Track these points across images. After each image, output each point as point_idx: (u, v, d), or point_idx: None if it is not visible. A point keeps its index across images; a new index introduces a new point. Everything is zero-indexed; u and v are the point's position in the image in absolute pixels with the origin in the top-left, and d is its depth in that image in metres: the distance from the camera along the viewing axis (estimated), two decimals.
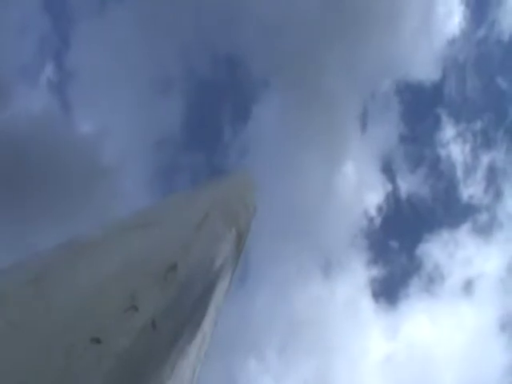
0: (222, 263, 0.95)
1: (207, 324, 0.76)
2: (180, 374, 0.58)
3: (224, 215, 1.05)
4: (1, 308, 0.40)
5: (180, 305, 0.62)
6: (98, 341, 0.41)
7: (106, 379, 0.40)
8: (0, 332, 0.37)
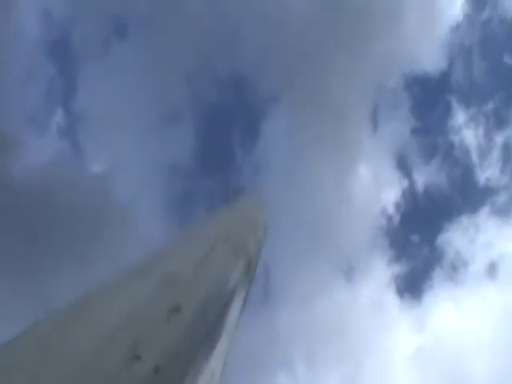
0: (232, 293, 0.97)
1: (217, 357, 0.78)
2: None
3: (231, 245, 1.07)
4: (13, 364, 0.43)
5: (184, 345, 0.64)
6: None
7: None
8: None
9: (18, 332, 0.50)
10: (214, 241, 0.99)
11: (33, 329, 0.50)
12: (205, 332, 0.75)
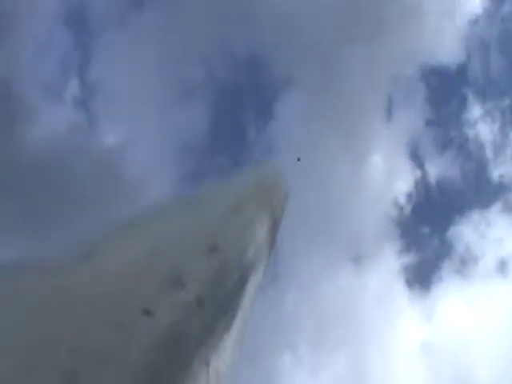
0: (258, 249, 0.95)
1: (245, 306, 0.76)
2: (222, 354, 0.58)
3: (259, 202, 1.04)
4: (54, 279, 0.40)
5: (222, 286, 0.62)
6: (149, 312, 0.41)
7: (155, 351, 0.39)
8: (52, 301, 0.37)
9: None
10: (243, 193, 0.96)
11: (74, 245, 0.47)
12: (236, 279, 0.73)
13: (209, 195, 0.87)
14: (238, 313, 0.71)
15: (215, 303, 0.57)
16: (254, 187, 1.14)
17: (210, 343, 0.55)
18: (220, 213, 0.77)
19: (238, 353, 0.80)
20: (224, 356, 0.63)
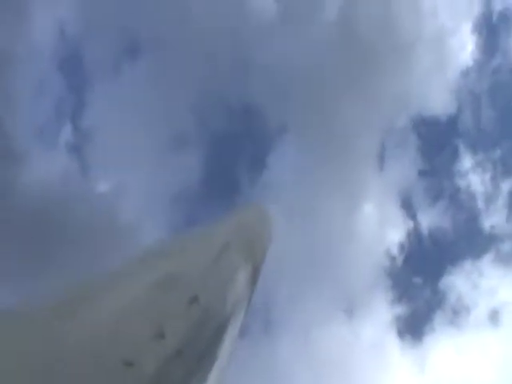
0: (238, 296, 0.96)
1: (224, 355, 0.77)
2: None
3: (242, 248, 1.06)
4: (36, 331, 0.42)
5: (201, 336, 0.63)
6: (130, 364, 0.42)
7: None
8: (35, 354, 0.39)
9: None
10: (226, 240, 0.98)
11: (56, 297, 0.49)
12: (215, 328, 0.74)
13: (190, 244, 0.89)
14: (216, 361, 0.72)
15: (194, 353, 0.58)
16: (238, 232, 1.16)
17: None
18: (201, 263, 0.79)
19: None
20: None
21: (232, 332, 0.88)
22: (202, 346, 0.63)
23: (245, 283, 1.04)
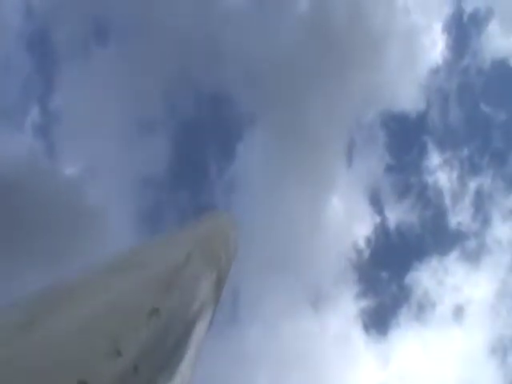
0: (202, 306, 0.96)
1: (186, 367, 0.77)
2: None
3: (205, 258, 1.06)
4: None
5: (160, 349, 0.64)
6: (84, 383, 0.42)
7: None
8: None
9: None
10: (190, 250, 0.99)
11: (9, 314, 0.49)
12: (177, 339, 0.75)
13: (153, 252, 0.88)
14: (177, 372, 0.73)
15: (153, 367, 0.59)
16: (202, 241, 1.16)
17: None
18: (163, 273, 0.79)
19: None
20: None
21: (195, 340, 0.88)
22: (161, 360, 0.63)
23: (209, 291, 1.04)
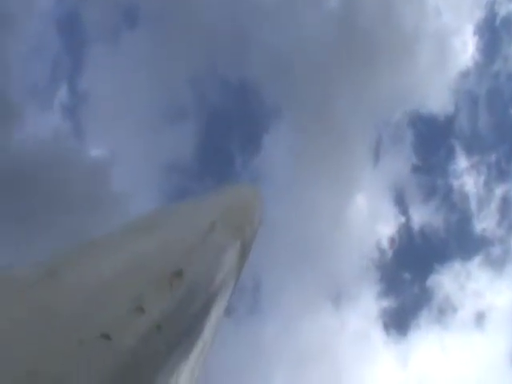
0: (225, 274, 0.95)
1: (208, 332, 0.76)
2: (180, 378, 0.58)
3: (230, 226, 1.05)
4: (16, 298, 0.41)
5: (183, 311, 0.63)
6: (107, 337, 0.41)
7: (112, 374, 0.40)
8: (16, 320, 0.38)
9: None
10: (215, 217, 0.97)
11: (37, 266, 0.48)
12: (200, 304, 0.74)
13: (177, 218, 0.87)
14: (199, 339, 0.72)
15: (176, 329, 0.58)
16: (227, 210, 1.15)
17: (169, 368, 0.56)
18: (188, 238, 0.78)
19: (200, 376, 0.80)
20: (184, 379, 0.64)
21: (218, 309, 0.87)
22: (185, 322, 0.62)
23: (233, 261, 1.03)
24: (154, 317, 0.51)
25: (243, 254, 1.17)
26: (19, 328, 0.39)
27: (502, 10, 13.26)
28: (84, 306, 0.44)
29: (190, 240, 0.78)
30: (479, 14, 13.43)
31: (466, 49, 13.56)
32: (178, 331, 0.59)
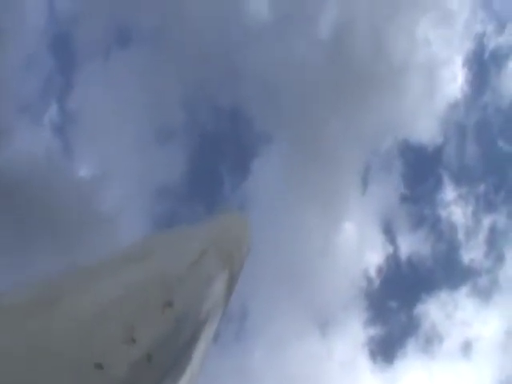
0: (214, 302, 0.96)
1: (197, 361, 0.78)
2: None
3: (219, 255, 1.07)
4: (13, 328, 0.42)
5: (173, 341, 0.64)
6: (100, 366, 0.43)
7: None
8: (10, 349, 0.39)
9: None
10: (205, 246, 0.99)
11: (29, 295, 0.49)
12: (189, 333, 0.75)
13: (168, 246, 0.89)
14: (188, 366, 0.73)
15: (166, 358, 0.59)
16: (216, 240, 1.17)
17: None
18: (178, 266, 0.80)
19: None
20: None
21: (206, 338, 0.88)
22: (174, 352, 0.63)
23: (221, 289, 1.05)
24: (145, 347, 0.53)
25: (231, 283, 1.18)
26: (16, 357, 0.40)
27: (491, 43, 13.60)
28: (78, 336, 0.46)
29: (180, 270, 0.80)
30: (468, 46, 13.75)
31: (455, 80, 13.83)
32: (168, 360, 0.60)
